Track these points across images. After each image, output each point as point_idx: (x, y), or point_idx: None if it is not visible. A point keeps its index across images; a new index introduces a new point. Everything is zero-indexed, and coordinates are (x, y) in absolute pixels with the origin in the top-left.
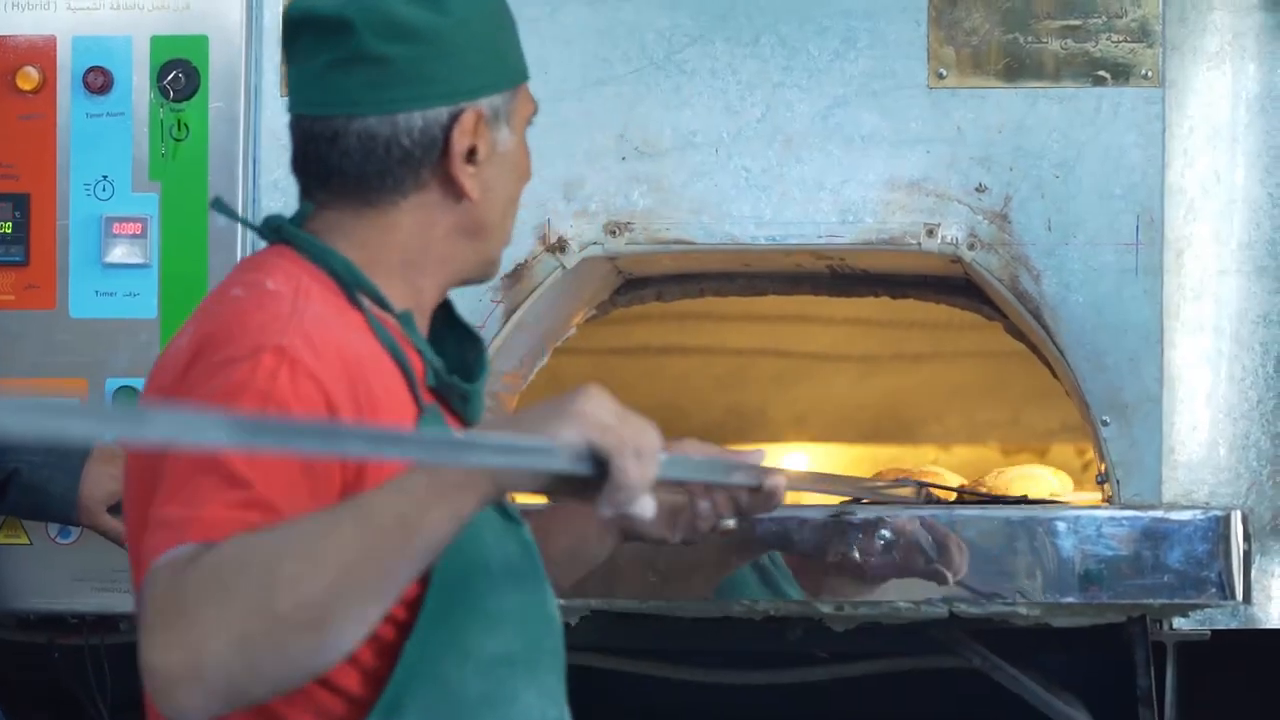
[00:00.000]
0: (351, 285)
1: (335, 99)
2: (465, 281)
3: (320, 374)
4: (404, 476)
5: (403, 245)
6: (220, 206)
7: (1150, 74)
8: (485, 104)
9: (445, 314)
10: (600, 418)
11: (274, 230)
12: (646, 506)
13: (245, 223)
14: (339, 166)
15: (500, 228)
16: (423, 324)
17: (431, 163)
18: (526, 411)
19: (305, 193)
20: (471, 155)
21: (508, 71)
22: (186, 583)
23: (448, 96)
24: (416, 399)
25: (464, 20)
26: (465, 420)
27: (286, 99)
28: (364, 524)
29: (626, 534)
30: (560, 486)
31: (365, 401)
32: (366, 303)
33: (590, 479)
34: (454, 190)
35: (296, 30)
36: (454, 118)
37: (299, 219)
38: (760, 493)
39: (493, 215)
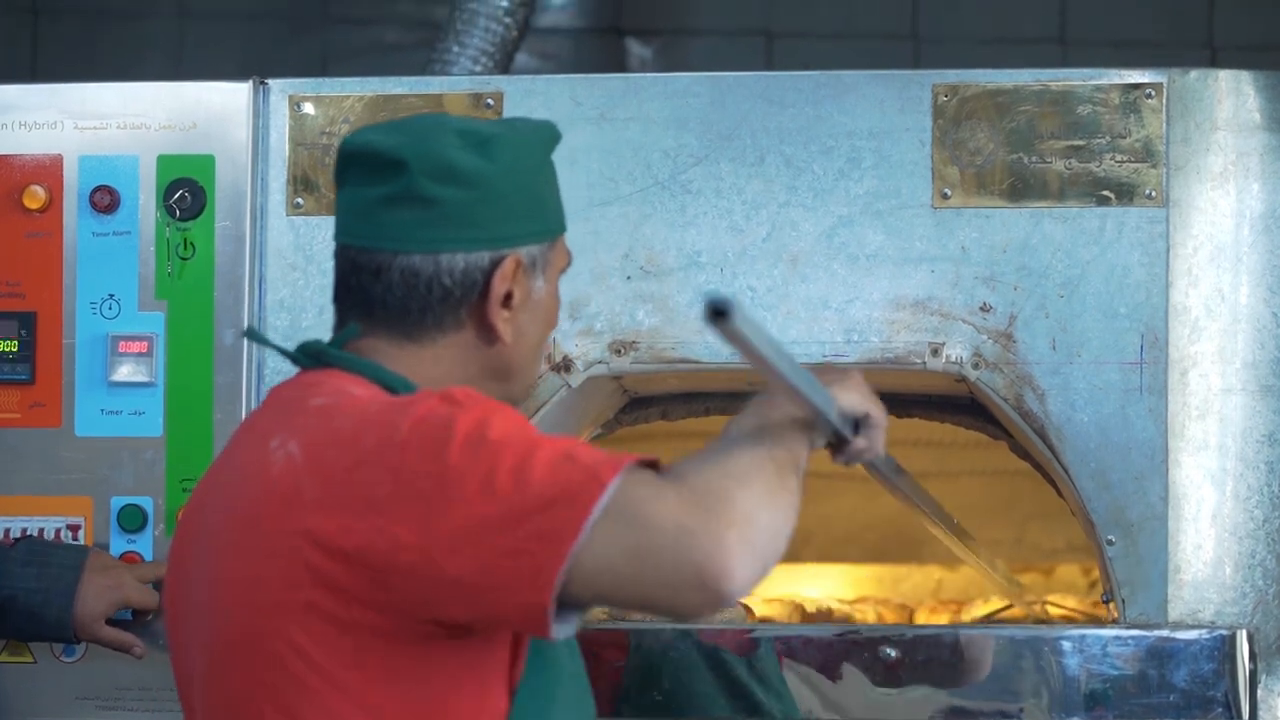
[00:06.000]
0: None
1: (383, 233)
2: None
3: None
4: (770, 428)
5: (436, 382)
6: (254, 335)
7: (1154, 193)
8: (524, 252)
9: None
10: (868, 394)
11: (313, 355)
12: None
13: (279, 349)
14: (381, 299)
15: (526, 373)
16: None
17: (470, 303)
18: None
19: (343, 319)
20: (507, 300)
21: (548, 223)
22: (699, 486)
23: (491, 241)
24: None
25: (511, 170)
26: None
27: (333, 227)
28: (779, 456)
29: None
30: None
31: None
32: None
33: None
34: (488, 333)
35: (350, 162)
36: (495, 263)
37: (340, 342)
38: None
39: (521, 359)
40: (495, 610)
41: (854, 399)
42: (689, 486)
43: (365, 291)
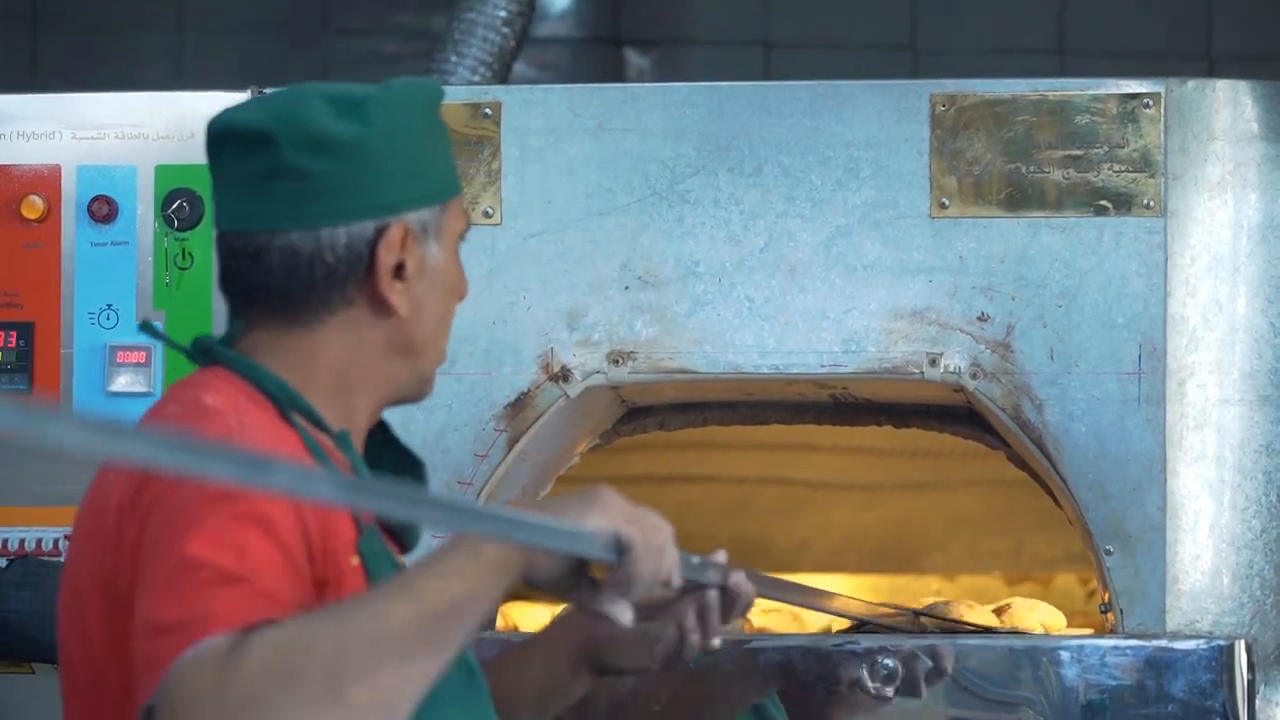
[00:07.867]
0: (286, 405)
1: (257, 214)
2: (399, 401)
3: None
4: (442, 559)
5: (332, 364)
6: (148, 329)
7: (1152, 203)
8: (413, 219)
9: (382, 434)
10: (625, 510)
11: (203, 352)
12: (625, 613)
13: (172, 344)
14: (263, 283)
15: (433, 345)
16: (358, 445)
17: (357, 278)
18: (552, 501)
19: (234, 312)
20: (399, 271)
21: (436, 185)
22: (243, 673)
23: (371, 211)
24: (355, 519)
25: (388, 132)
26: (403, 545)
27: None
28: (419, 607)
29: (603, 668)
30: (562, 579)
31: (312, 513)
32: (301, 422)
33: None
34: (382, 307)
35: (219, 144)
36: (379, 233)
37: (228, 339)
38: (728, 594)
39: (424, 332)
40: None
41: (599, 521)
42: (233, 687)
43: (246, 278)
